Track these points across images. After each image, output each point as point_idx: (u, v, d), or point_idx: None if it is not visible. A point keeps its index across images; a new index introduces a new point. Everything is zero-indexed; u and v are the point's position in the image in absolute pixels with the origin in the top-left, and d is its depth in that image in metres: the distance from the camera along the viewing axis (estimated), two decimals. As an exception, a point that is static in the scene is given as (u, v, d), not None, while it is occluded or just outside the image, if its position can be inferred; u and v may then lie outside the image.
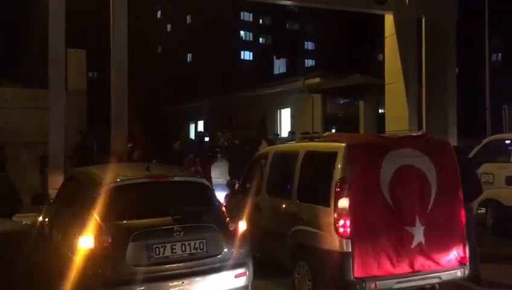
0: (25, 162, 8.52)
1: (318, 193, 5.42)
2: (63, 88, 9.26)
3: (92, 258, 4.39)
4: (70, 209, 5.29)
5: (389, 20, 11.51)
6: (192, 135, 27.55)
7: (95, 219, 4.57)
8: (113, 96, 9.48)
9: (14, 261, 2.91)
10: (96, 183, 5.00)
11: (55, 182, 8.64)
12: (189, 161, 10.59)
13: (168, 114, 30.33)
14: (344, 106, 19.86)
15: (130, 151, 9.18)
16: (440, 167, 5.37)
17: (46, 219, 5.81)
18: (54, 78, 9.21)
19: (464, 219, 5.49)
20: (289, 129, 18.24)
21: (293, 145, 6.85)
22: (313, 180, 5.75)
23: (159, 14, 59.71)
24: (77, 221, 4.74)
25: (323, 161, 5.43)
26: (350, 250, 4.89)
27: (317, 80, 19.16)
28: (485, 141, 10.13)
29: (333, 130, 16.48)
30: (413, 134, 6.19)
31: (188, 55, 56.53)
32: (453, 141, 9.67)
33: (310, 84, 19.36)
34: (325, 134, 6.26)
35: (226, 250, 4.84)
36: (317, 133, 10.91)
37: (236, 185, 7.52)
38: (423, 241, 5.14)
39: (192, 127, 29.84)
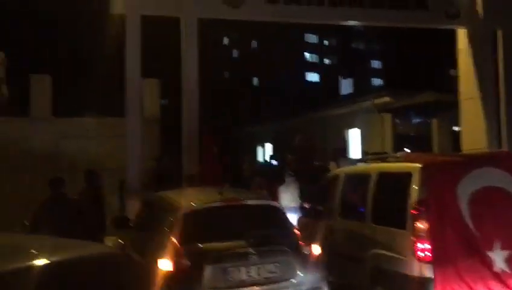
0: (107, 188, 8.98)
1: (394, 215, 5.28)
2: (138, 116, 9.74)
3: (171, 280, 4.52)
4: (148, 233, 5.49)
5: (461, 34, 11.12)
6: (260, 158, 27.80)
7: (172, 242, 4.72)
8: (184, 123, 9.85)
9: (109, 284, 3.06)
10: (172, 207, 5.18)
11: (133, 206, 9.05)
12: (257, 184, 10.67)
13: (235, 137, 30.88)
14: (415, 125, 19.25)
15: (200, 175, 9.41)
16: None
17: (127, 242, 6.06)
18: (131, 107, 9.72)
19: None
20: (359, 150, 17.95)
21: (365, 166, 6.74)
22: (387, 203, 5.60)
23: (225, 40, 61.40)
24: (156, 244, 4.92)
25: (398, 182, 5.29)
26: (431, 276, 4.69)
27: (387, 98, 18.75)
28: None
29: (406, 150, 16.00)
30: (494, 152, 5.89)
31: (254, 78, 57.47)
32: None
33: (379, 103, 18.98)
34: (398, 154, 6.11)
35: (300, 274, 4.82)
36: (385, 153, 10.67)
37: (308, 208, 7.48)
38: (505, 268, 4.82)
39: (259, 150, 30.13)
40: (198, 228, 4.94)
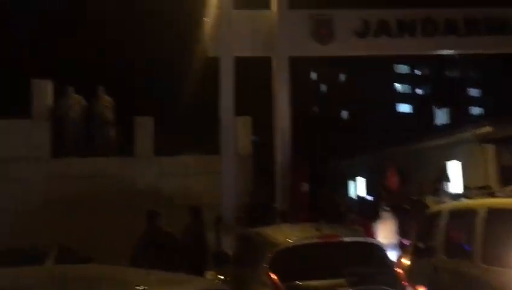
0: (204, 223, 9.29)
1: (508, 254, 4.88)
2: (233, 153, 10.06)
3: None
4: (247, 268, 5.55)
5: None
6: (352, 192, 27.19)
7: (272, 278, 4.72)
8: (277, 159, 10.00)
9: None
10: (270, 244, 5.21)
11: (228, 241, 9.25)
12: (352, 220, 10.43)
13: (326, 172, 30.57)
14: (523, 156, 17.82)
15: (293, 209, 9.40)
16: None
17: (226, 278, 6.17)
18: (225, 145, 10.10)
19: None
20: (458, 183, 16.95)
21: (471, 201, 6.34)
22: (498, 241, 5.20)
23: (313, 75, 61.91)
24: (255, 281, 4.96)
25: (510, 218, 4.91)
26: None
27: (488, 128, 17.59)
28: None
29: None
30: None
31: (344, 112, 57.00)
32: None
33: (480, 133, 17.88)
34: (509, 188, 5.68)
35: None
36: (489, 187, 9.95)
37: (408, 245, 7.15)
38: None
39: (351, 184, 29.52)
40: (297, 265, 4.91)
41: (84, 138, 12.65)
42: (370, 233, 9.79)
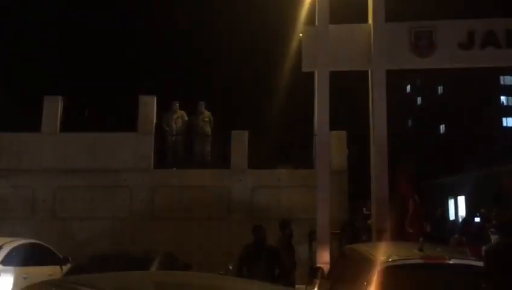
0: (296, 237, 9.29)
1: None
2: (327, 168, 9.98)
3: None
4: (343, 285, 5.47)
5: None
6: (452, 211, 25.73)
7: (372, 298, 4.61)
8: (373, 174, 9.73)
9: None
10: (370, 262, 5.08)
11: (322, 256, 9.16)
12: (455, 241, 9.87)
13: (424, 189, 29.24)
14: None
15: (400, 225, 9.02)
16: None
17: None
18: (320, 159, 10.04)
19: None
20: None
21: None
22: None
23: (408, 88, 59.76)
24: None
25: None
26: None
27: None
28: None
29: None
30: None
31: (441, 126, 54.27)
32: None
33: None
34: None
35: None
36: None
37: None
38: None
39: (451, 202, 27.93)
40: (397, 285, 4.74)
41: (184, 151, 13.29)
42: (476, 256, 9.16)
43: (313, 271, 6.64)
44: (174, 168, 12.97)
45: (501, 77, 50.25)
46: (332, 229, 9.83)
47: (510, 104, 51.62)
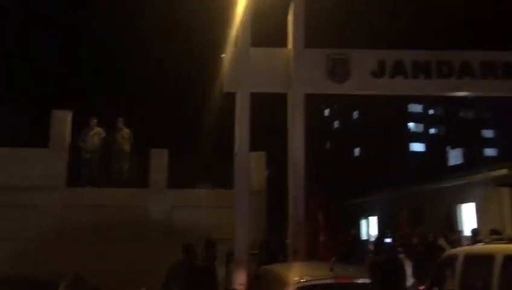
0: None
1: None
2: (246, 188, 10.05)
3: None
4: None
5: None
6: (364, 231, 26.84)
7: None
8: (290, 194, 9.94)
9: None
10: (282, 282, 5.17)
11: (240, 277, 9.15)
12: (368, 261, 10.26)
13: (338, 209, 30.26)
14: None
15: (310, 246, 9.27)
16: None
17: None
18: (239, 179, 10.09)
19: None
20: (473, 227, 16.67)
21: (488, 247, 6.25)
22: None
23: (326, 112, 62.14)
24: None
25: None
26: None
27: (505, 171, 17.39)
28: None
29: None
30: None
31: (356, 149, 56.89)
32: None
33: (496, 176, 17.66)
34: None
35: None
36: (495, 230, 9.78)
37: (424, 289, 7.02)
38: None
39: (363, 223, 29.16)
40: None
41: (101, 169, 12.83)
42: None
43: (229, 292, 6.62)
44: (89, 187, 12.45)
45: (409, 105, 53.84)
46: (250, 250, 9.86)
47: (417, 130, 55.37)
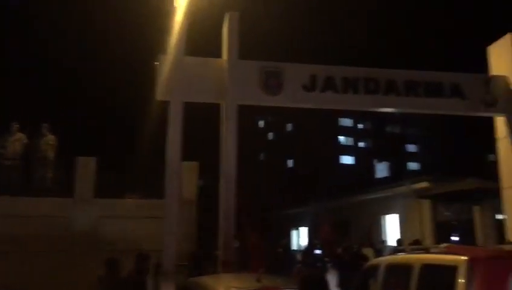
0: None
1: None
2: (177, 199, 9.89)
3: None
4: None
5: (500, 121, 11.10)
6: (294, 241, 27.26)
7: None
8: (221, 205, 9.90)
9: None
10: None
11: (167, 289, 8.94)
12: (297, 271, 10.44)
13: (270, 220, 30.60)
14: (456, 212, 18.64)
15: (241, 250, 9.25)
16: None
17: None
18: (170, 190, 9.90)
19: None
20: (396, 237, 17.44)
21: (407, 256, 6.53)
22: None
23: (261, 124, 62.84)
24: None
25: (442, 275, 5.08)
26: None
27: (425, 184, 18.39)
28: None
29: (454, 239, 15.30)
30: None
31: (289, 161, 57.90)
32: None
33: (417, 188, 18.63)
34: (443, 245, 5.90)
35: None
36: (417, 241, 10.24)
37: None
38: None
39: (294, 233, 29.64)
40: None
41: (22, 177, 12.15)
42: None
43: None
44: (8, 196, 11.73)
45: (339, 119, 55.72)
46: (180, 261, 9.69)
47: (347, 143, 57.35)
